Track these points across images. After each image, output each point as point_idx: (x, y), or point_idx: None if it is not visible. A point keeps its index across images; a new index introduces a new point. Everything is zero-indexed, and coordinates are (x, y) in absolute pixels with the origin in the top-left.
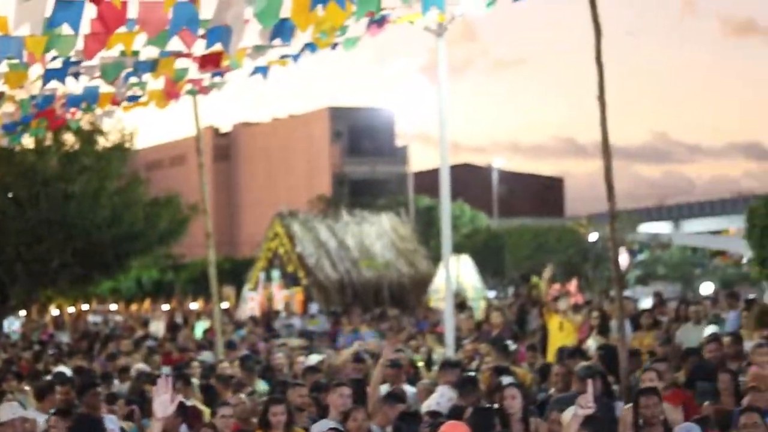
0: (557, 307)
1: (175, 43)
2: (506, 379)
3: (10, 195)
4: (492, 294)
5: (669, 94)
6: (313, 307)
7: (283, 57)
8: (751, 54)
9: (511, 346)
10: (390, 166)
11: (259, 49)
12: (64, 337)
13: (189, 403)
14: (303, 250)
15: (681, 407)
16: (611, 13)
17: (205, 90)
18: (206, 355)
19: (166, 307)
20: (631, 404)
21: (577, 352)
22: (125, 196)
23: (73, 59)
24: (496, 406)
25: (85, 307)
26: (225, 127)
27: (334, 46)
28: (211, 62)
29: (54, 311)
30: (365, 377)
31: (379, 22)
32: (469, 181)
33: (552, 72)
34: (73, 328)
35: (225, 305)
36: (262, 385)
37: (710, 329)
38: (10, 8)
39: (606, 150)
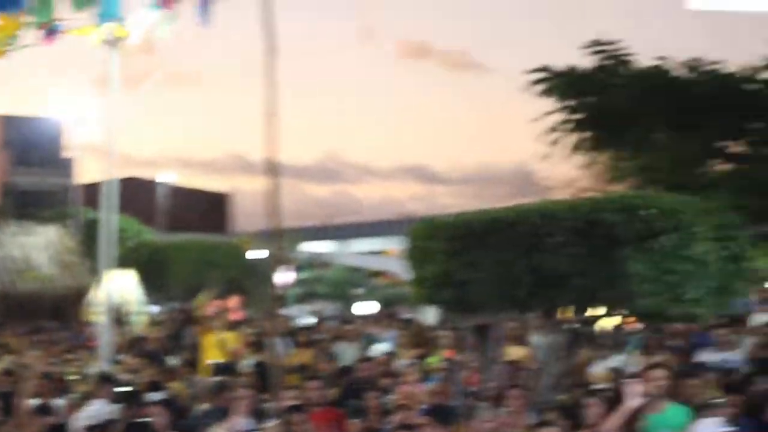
0: (213, 323)
1: None
2: (154, 396)
3: None
4: (156, 309)
5: (342, 115)
6: None
7: None
8: (423, 77)
9: (171, 361)
10: (58, 177)
11: None
12: None
13: None
14: None
15: (333, 425)
16: (288, 33)
17: None
18: None
19: None
20: (275, 422)
21: (229, 368)
22: None
23: None
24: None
25: None
26: None
27: (5, 54)
28: None
29: None
30: (15, 390)
31: (53, 32)
32: (137, 194)
33: (226, 88)
34: None
35: None
36: None
37: (381, 347)
38: None
39: (272, 169)
